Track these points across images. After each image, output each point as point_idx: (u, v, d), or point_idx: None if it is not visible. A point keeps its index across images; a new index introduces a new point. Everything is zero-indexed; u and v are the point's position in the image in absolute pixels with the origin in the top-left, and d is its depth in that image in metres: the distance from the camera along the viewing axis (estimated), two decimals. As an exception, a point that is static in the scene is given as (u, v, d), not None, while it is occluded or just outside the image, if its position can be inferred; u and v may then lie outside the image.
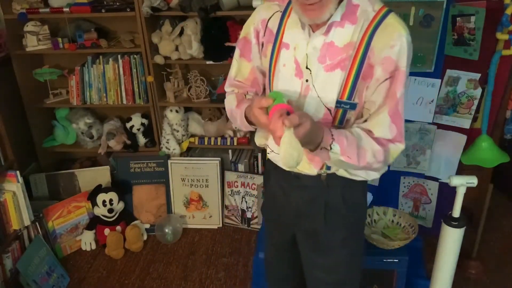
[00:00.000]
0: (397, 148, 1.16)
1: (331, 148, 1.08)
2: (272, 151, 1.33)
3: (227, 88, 1.39)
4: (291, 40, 1.18)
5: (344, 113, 1.16)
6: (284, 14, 1.20)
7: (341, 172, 1.24)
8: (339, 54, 1.12)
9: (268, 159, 1.38)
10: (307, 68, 1.15)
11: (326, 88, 1.14)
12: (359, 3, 1.11)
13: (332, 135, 1.08)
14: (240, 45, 1.30)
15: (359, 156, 1.11)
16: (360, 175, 1.24)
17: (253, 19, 1.26)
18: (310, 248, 1.38)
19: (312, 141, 1.06)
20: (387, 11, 1.11)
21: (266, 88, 1.34)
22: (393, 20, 1.09)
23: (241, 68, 1.31)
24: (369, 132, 1.15)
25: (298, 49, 1.16)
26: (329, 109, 1.16)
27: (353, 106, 1.15)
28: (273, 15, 1.22)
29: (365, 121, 1.17)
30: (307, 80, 1.16)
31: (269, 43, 1.23)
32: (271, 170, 1.39)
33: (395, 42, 1.07)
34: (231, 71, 1.35)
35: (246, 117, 1.22)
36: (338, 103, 1.14)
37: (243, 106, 1.23)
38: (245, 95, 1.32)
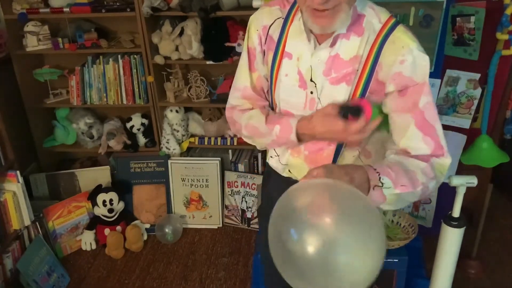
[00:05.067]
0: (442, 162, 1.08)
1: (382, 184, 0.97)
2: (277, 155, 1.29)
3: (235, 101, 1.25)
4: (294, 50, 1.12)
5: None
6: (286, 21, 1.14)
7: None
8: (345, 68, 1.07)
9: (267, 163, 1.36)
10: (311, 80, 1.11)
11: (331, 100, 1.09)
12: (365, 13, 1.06)
13: (375, 169, 0.98)
14: (246, 55, 1.22)
15: (412, 180, 1.00)
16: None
17: (255, 25, 1.19)
18: None
19: (359, 184, 0.94)
20: (394, 22, 1.06)
21: (267, 97, 1.28)
22: (401, 33, 1.04)
23: (252, 79, 1.24)
24: (405, 153, 1.08)
25: (301, 60, 1.11)
26: None
27: None
28: (274, 21, 1.17)
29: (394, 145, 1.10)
30: (311, 92, 1.13)
31: (269, 50, 1.17)
32: (271, 173, 1.36)
33: (405, 57, 1.03)
34: (240, 81, 1.24)
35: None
36: None
37: (286, 120, 1.13)
38: (268, 110, 1.22)
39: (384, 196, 0.98)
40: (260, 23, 1.18)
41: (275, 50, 1.16)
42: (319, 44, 1.09)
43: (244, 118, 1.22)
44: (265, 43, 1.18)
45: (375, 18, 1.06)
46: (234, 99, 1.26)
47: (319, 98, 1.12)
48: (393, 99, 1.07)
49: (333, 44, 1.07)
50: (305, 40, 1.10)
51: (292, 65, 1.13)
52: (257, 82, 1.23)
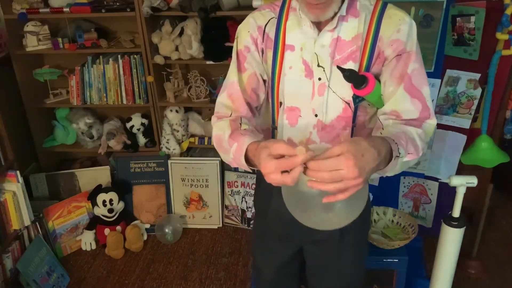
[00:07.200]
0: (429, 125, 1.15)
1: (399, 154, 1.00)
2: None
3: (220, 99, 1.23)
4: (296, 41, 1.17)
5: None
6: (280, 19, 1.20)
7: None
8: (348, 47, 1.14)
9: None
10: (319, 66, 1.16)
11: (341, 83, 1.14)
12: None
13: (393, 140, 1.00)
14: (235, 57, 1.23)
15: (415, 147, 1.06)
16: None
17: (246, 28, 1.21)
18: (322, 256, 1.35)
19: (384, 157, 0.96)
20: (384, 2, 1.16)
21: (268, 95, 1.25)
22: (394, 10, 1.15)
23: (241, 79, 1.22)
24: (397, 116, 1.14)
25: (305, 50, 1.16)
26: (347, 103, 1.17)
27: None
28: (269, 21, 1.21)
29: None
30: (319, 79, 1.16)
31: (268, 48, 1.20)
32: (273, 188, 1.26)
33: (401, 27, 1.13)
34: (229, 79, 1.22)
35: (246, 156, 1.05)
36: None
37: (243, 140, 1.06)
38: (240, 124, 1.15)
39: (396, 164, 1.02)
40: (254, 25, 1.22)
41: (275, 46, 1.20)
42: (319, 30, 1.14)
43: (216, 126, 1.18)
44: (263, 42, 1.22)
45: (367, 1, 1.16)
46: (220, 98, 1.23)
47: (329, 82, 1.16)
48: (390, 65, 1.14)
49: (335, 27, 1.13)
50: (307, 29, 1.15)
51: (296, 56, 1.17)
52: (247, 81, 1.22)
